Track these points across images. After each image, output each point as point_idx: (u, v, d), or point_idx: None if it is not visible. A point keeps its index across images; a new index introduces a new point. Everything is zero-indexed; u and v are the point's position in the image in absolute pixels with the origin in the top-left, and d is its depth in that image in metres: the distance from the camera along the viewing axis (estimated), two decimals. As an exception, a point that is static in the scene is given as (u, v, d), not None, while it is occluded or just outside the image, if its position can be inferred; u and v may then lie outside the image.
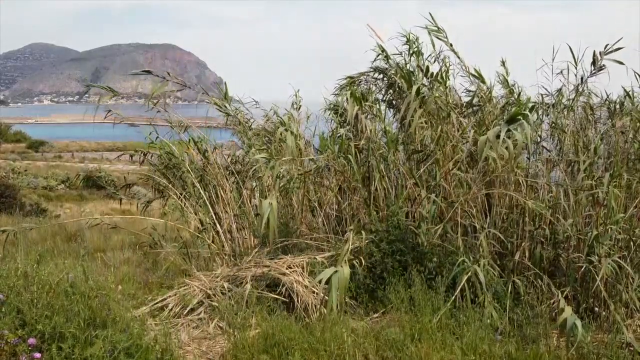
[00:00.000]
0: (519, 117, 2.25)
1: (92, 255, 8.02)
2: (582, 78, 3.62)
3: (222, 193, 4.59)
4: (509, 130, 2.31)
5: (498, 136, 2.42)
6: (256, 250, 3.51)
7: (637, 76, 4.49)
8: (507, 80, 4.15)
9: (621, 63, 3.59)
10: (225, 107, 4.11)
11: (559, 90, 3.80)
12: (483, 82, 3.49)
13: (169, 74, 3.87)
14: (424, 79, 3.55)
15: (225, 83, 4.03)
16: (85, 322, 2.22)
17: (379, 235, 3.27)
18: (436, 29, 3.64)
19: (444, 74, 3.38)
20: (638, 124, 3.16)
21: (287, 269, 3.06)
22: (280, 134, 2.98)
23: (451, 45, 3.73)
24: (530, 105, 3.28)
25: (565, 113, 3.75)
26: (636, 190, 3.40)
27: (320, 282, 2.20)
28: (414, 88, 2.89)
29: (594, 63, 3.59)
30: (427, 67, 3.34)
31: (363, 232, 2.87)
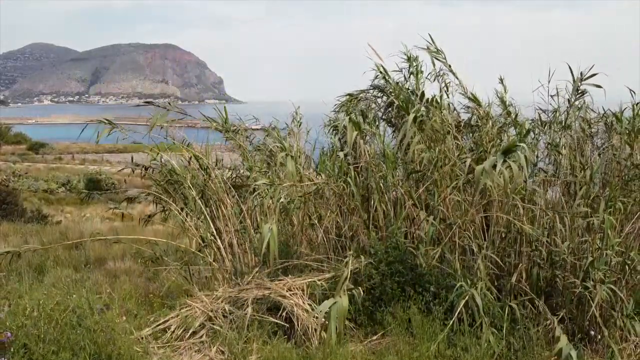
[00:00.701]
0: (515, 148, 2.29)
1: (94, 264, 8.08)
2: (569, 100, 3.67)
3: (223, 208, 4.63)
4: (505, 160, 2.35)
5: (495, 165, 2.46)
6: (257, 269, 3.56)
7: (632, 93, 4.56)
8: (504, 101, 4.20)
9: (599, 86, 3.66)
10: (227, 130, 4.16)
11: (555, 111, 3.84)
12: (479, 105, 3.53)
13: (169, 104, 3.91)
14: (421, 102, 3.60)
15: (225, 108, 4.07)
16: (91, 356, 2.26)
17: (378, 256, 3.32)
18: (436, 50, 3.69)
19: (439, 98, 3.43)
20: (627, 146, 3.20)
21: (287, 291, 3.11)
22: (281, 158, 3.02)
23: (450, 66, 3.79)
24: (526, 128, 3.32)
25: (561, 132, 3.79)
26: (631, 211, 3.45)
27: (320, 311, 2.24)
28: (411, 116, 2.93)
29: (576, 90, 3.66)
30: (423, 93, 3.38)
31: (362, 256, 2.91)
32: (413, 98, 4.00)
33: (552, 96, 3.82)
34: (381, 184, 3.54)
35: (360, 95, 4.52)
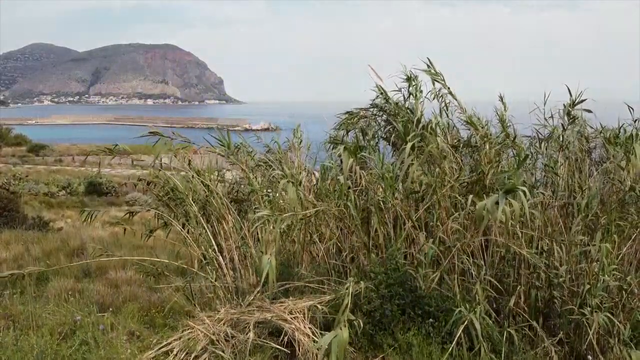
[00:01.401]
0: (516, 188, 2.33)
1: (95, 272, 8.11)
2: (562, 125, 3.72)
3: (224, 224, 4.67)
4: (506, 198, 2.39)
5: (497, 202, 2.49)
6: (258, 290, 3.60)
7: (630, 109, 4.60)
8: (503, 120, 4.24)
9: (589, 111, 3.71)
10: (230, 148, 4.19)
11: (552, 132, 3.89)
12: (477, 129, 3.58)
13: (173, 133, 3.93)
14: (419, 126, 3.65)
15: (227, 132, 4.11)
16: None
17: (378, 278, 3.36)
18: (435, 73, 3.74)
19: (434, 125, 3.47)
20: (624, 171, 3.24)
21: (288, 314, 3.15)
22: (283, 185, 3.06)
23: (449, 88, 3.83)
24: (524, 153, 3.37)
25: (558, 152, 3.84)
26: (628, 233, 3.49)
27: (321, 347, 2.29)
28: (408, 145, 2.98)
29: (568, 114, 3.70)
30: (418, 120, 3.43)
31: (362, 281, 2.95)
32: (411, 116, 4.04)
33: (547, 119, 3.86)
34: (381, 204, 3.58)
35: (361, 113, 4.56)
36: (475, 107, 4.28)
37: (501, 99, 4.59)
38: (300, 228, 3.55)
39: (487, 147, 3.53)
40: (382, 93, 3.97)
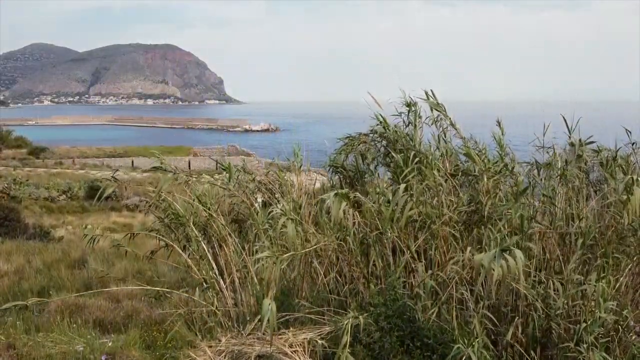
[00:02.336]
0: (511, 248, 2.38)
1: (96, 285, 8.15)
2: (566, 161, 3.76)
3: (225, 248, 4.71)
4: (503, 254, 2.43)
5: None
6: (258, 318, 3.63)
7: (628, 133, 4.64)
8: (501, 145, 4.28)
9: (597, 151, 3.75)
10: (230, 177, 4.23)
11: (549, 164, 3.93)
12: (475, 162, 3.62)
13: (175, 172, 3.97)
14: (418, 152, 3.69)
15: (230, 165, 4.14)
16: None
17: (377, 309, 3.39)
18: (436, 103, 3.78)
19: (432, 161, 3.51)
20: (623, 210, 3.28)
21: (288, 347, 3.19)
22: (282, 222, 3.10)
23: (450, 118, 3.88)
24: (522, 186, 3.41)
25: (557, 182, 3.88)
26: (625, 265, 3.53)
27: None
28: (402, 186, 3.02)
29: (574, 153, 3.74)
30: (415, 155, 3.46)
31: (361, 317, 2.99)
32: (410, 144, 4.08)
33: (551, 146, 3.89)
34: (381, 234, 3.62)
35: (361, 138, 4.60)
36: (474, 119, 4.33)
37: (498, 123, 4.63)
38: (300, 258, 3.59)
39: (485, 179, 3.57)
40: (381, 122, 4.02)
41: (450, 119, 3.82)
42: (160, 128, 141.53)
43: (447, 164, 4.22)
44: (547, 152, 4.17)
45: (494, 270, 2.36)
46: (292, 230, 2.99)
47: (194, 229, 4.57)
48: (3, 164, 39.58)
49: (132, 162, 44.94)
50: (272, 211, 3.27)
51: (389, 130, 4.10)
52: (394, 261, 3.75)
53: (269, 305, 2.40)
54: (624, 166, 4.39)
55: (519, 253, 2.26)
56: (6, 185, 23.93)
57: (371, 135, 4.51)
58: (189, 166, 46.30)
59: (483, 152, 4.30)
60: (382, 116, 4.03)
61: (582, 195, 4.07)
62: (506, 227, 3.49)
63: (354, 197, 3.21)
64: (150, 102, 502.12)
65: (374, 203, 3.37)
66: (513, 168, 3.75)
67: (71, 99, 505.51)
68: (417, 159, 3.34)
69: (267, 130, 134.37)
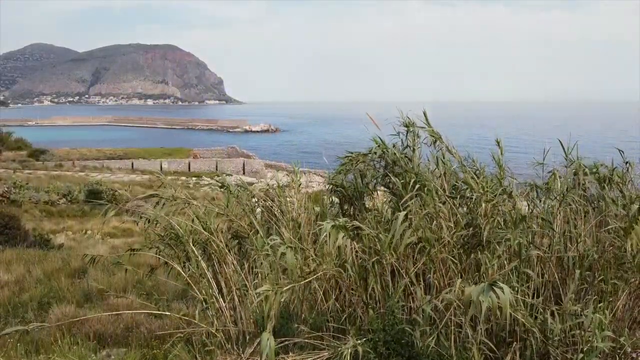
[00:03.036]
0: (497, 282, 2.40)
1: (96, 295, 8.16)
2: (567, 188, 3.78)
3: (225, 267, 4.72)
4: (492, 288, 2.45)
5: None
6: (258, 341, 3.65)
7: (621, 153, 4.67)
8: (500, 165, 4.30)
9: (603, 186, 3.78)
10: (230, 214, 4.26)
11: (548, 188, 3.94)
12: (473, 189, 3.64)
13: (174, 190, 3.97)
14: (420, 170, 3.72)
15: (228, 192, 4.15)
16: None
17: (376, 335, 3.41)
18: (431, 130, 3.81)
19: (432, 188, 3.53)
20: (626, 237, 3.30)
21: (288, 374, 3.21)
22: (282, 251, 3.12)
23: (447, 145, 3.90)
24: (521, 216, 3.43)
25: (556, 206, 3.89)
26: (622, 290, 3.55)
27: None
28: (401, 215, 3.04)
29: (577, 183, 3.77)
30: (415, 183, 3.48)
31: (360, 346, 3.01)
32: (409, 165, 4.10)
33: (550, 172, 3.91)
34: (381, 258, 3.63)
35: (360, 158, 4.62)
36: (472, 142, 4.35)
37: (498, 143, 4.65)
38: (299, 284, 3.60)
39: (484, 206, 3.59)
40: (379, 146, 4.04)
41: (445, 144, 3.85)
42: (160, 128, 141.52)
43: (445, 185, 4.25)
44: (547, 166, 4.20)
45: (482, 303, 2.38)
46: (292, 258, 3.01)
47: (194, 249, 4.59)
48: (3, 166, 39.60)
49: (132, 164, 44.95)
50: (272, 237, 3.28)
51: (388, 151, 4.12)
52: (393, 284, 3.77)
53: (268, 341, 2.41)
54: (620, 184, 4.43)
55: (506, 289, 2.28)
56: (6, 189, 23.93)
57: (370, 155, 4.52)
58: (189, 168, 46.35)
59: (481, 171, 4.33)
60: (380, 139, 4.04)
61: (580, 216, 4.09)
62: (505, 252, 3.51)
63: (352, 226, 3.23)
64: (150, 102, 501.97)
65: (372, 229, 3.39)
66: (511, 193, 3.77)
67: (71, 99, 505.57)
68: (417, 186, 3.35)
69: (267, 130, 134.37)
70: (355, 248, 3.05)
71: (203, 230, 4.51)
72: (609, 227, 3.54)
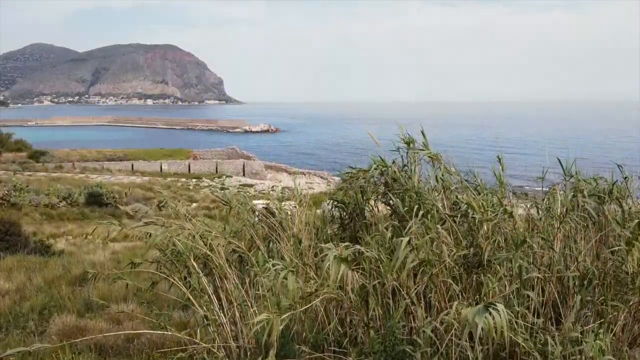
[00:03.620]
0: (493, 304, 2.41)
1: (97, 304, 8.17)
2: (566, 209, 3.79)
3: (225, 283, 4.73)
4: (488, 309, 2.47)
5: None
6: (260, 359, 3.67)
7: (620, 168, 4.69)
8: (501, 182, 4.32)
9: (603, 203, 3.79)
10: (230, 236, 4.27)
11: (548, 209, 3.96)
12: (475, 211, 3.65)
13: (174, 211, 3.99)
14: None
15: (227, 213, 4.16)
16: None
17: (377, 356, 3.43)
18: (429, 152, 3.85)
19: (434, 217, 3.55)
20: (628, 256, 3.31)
21: (289, 396, 3.22)
22: (283, 276, 3.14)
23: (446, 167, 3.93)
24: (521, 240, 3.45)
25: (556, 226, 3.91)
26: (622, 311, 3.56)
27: None
28: (405, 240, 3.05)
29: (577, 204, 3.79)
30: (418, 209, 3.50)
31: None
32: (409, 185, 4.12)
33: (549, 192, 3.93)
34: (382, 280, 3.65)
35: (360, 174, 4.64)
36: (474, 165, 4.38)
37: (499, 159, 4.66)
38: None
39: (485, 228, 3.61)
40: (378, 167, 4.06)
41: (446, 167, 3.88)
42: (160, 129, 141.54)
43: (445, 201, 4.26)
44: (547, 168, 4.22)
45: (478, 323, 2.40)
46: (293, 283, 3.02)
47: (195, 266, 4.60)
48: (3, 167, 39.63)
49: (132, 165, 44.96)
50: (273, 262, 3.29)
51: (388, 168, 4.14)
52: (393, 302, 3.78)
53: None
54: (620, 200, 4.45)
55: (502, 311, 2.30)
56: (6, 192, 23.96)
57: (370, 171, 4.54)
58: (189, 169, 46.37)
59: (482, 188, 4.34)
60: (382, 159, 4.06)
61: (579, 233, 4.11)
62: (506, 274, 3.53)
63: (355, 255, 3.25)
64: (150, 102, 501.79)
65: (373, 249, 3.41)
66: (512, 213, 3.78)
67: (71, 99, 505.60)
68: (421, 212, 3.38)
69: (266, 131, 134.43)
70: (357, 278, 3.07)
71: (204, 247, 4.53)
72: (611, 249, 3.55)
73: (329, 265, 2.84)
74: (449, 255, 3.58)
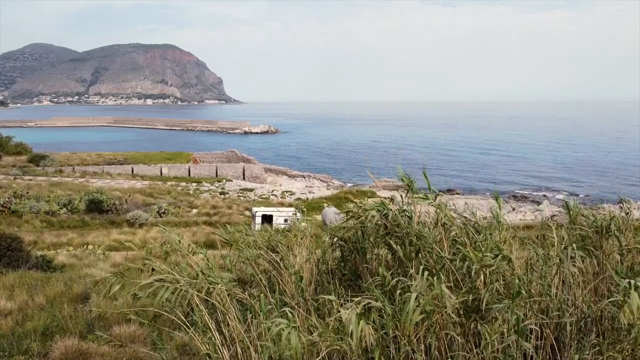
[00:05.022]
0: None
1: (99, 322, 8.22)
2: (560, 259, 3.86)
3: (228, 319, 4.78)
4: None
5: None
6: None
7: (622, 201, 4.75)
8: (499, 221, 4.38)
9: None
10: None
11: (547, 257, 4.02)
12: (472, 261, 3.71)
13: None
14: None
15: (231, 250, 4.21)
16: None
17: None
18: (431, 201, 3.90)
19: (437, 271, 3.61)
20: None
21: None
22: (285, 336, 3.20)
23: (445, 214, 3.99)
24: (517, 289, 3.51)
25: (555, 275, 3.97)
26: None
27: None
28: (413, 296, 3.12)
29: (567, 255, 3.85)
30: (418, 251, 3.56)
31: None
32: (410, 230, 4.18)
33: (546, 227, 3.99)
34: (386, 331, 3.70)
35: (360, 213, 4.69)
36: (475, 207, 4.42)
37: (496, 198, 4.73)
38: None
39: (482, 277, 3.67)
40: (379, 211, 4.11)
41: (445, 215, 3.94)
42: (160, 130, 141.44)
43: (445, 243, 4.32)
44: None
45: None
46: (295, 340, 3.08)
47: (199, 304, 4.65)
48: (3, 172, 39.66)
49: (132, 169, 44.99)
50: (275, 319, 3.34)
51: (389, 210, 4.20)
52: (395, 350, 3.84)
53: None
54: (617, 233, 4.51)
55: None
56: (7, 199, 23.99)
57: (371, 212, 4.60)
58: (189, 173, 46.40)
59: (482, 229, 4.40)
60: (383, 203, 4.12)
61: (576, 282, 4.16)
62: (502, 324, 3.59)
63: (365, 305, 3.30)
64: (149, 102, 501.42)
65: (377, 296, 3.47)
66: (510, 260, 3.84)
67: (70, 99, 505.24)
68: (422, 268, 3.44)
69: (266, 132, 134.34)
70: (372, 333, 3.11)
71: (208, 284, 4.58)
72: (610, 299, 3.60)
73: (349, 325, 2.88)
74: (449, 305, 3.64)
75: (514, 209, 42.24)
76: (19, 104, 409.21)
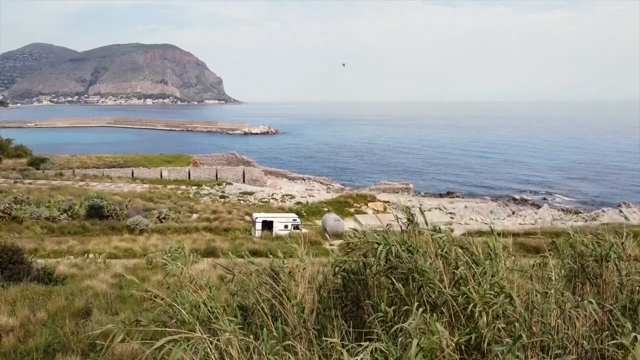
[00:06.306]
0: None
1: (100, 340, 8.23)
2: (560, 305, 3.89)
3: (230, 350, 4.81)
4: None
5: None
6: None
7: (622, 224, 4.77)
8: (496, 253, 4.41)
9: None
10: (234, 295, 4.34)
11: (547, 294, 4.05)
12: (474, 300, 3.74)
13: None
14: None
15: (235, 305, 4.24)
16: None
17: None
18: (434, 233, 3.92)
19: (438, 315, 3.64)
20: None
21: None
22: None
23: (445, 245, 4.02)
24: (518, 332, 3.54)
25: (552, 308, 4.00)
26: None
27: None
28: (415, 342, 3.15)
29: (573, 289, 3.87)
30: (420, 288, 3.59)
31: None
32: (411, 266, 4.21)
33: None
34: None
35: (361, 246, 4.72)
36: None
37: (491, 228, 4.76)
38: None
39: (485, 318, 3.70)
40: (383, 248, 4.15)
41: (445, 246, 3.97)
42: (160, 130, 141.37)
43: (445, 277, 4.35)
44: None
45: None
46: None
47: (202, 333, 4.68)
48: (4, 175, 39.64)
49: (132, 172, 44.98)
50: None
51: (391, 247, 4.23)
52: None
53: None
54: (617, 262, 4.53)
55: None
56: (7, 204, 23.99)
57: (371, 243, 4.63)
58: (189, 176, 46.40)
59: (482, 261, 4.43)
60: (385, 240, 4.15)
61: (577, 318, 4.19)
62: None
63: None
64: (149, 102, 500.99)
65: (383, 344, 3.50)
66: (511, 298, 3.87)
67: (70, 99, 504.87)
68: (421, 310, 3.47)
69: (266, 132, 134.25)
70: None
71: (210, 314, 4.61)
72: (617, 341, 3.63)
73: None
74: (445, 346, 3.67)
75: (513, 213, 42.28)
76: (18, 104, 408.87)
